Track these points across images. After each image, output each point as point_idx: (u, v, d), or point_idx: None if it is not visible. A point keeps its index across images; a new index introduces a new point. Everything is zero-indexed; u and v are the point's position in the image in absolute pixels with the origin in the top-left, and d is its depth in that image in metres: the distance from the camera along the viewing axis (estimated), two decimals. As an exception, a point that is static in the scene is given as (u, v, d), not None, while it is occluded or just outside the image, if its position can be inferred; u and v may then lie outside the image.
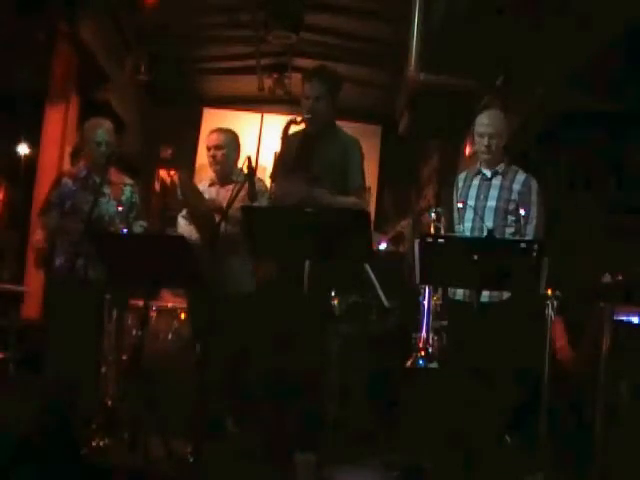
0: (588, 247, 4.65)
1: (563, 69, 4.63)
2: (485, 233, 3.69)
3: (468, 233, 3.84)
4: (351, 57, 6.61)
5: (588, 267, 4.19)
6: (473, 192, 3.91)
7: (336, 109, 3.86)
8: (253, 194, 3.87)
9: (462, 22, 4.83)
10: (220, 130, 4.45)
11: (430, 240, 3.22)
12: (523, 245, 3.19)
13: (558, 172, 5.14)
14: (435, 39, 5.24)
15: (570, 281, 3.92)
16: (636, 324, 3.94)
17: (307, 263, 3.25)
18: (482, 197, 3.87)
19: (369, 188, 6.30)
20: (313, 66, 4.22)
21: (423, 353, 4.18)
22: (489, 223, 3.74)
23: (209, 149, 4.42)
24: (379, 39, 6.35)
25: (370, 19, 6.08)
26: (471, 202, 3.87)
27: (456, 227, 3.97)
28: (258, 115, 7.99)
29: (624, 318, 3.90)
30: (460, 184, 4.00)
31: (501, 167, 3.89)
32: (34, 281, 5.39)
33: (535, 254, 3.03)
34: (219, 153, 4.35)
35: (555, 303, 3.61)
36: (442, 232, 4.20)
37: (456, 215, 4.00)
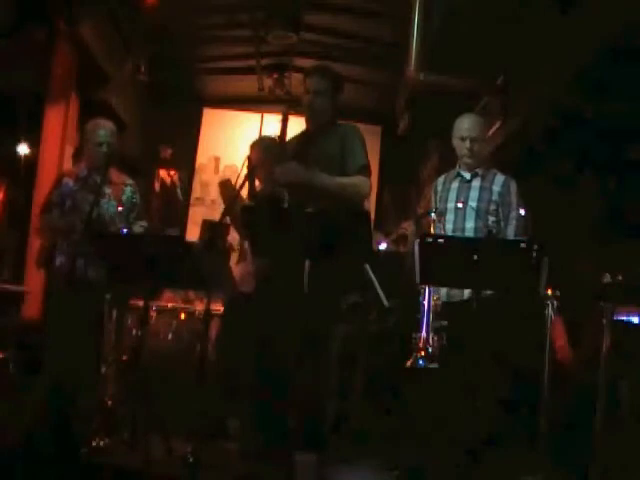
0: (588, 247, 4.64)
1: (563, 69, 4.63)
2: (467, 233, 3.77)
3: (450, 234, 3.87)
4: (351, 57, 6.60)
5: (588, 267, 4.19)
6: (453, 195, 3.96)
7: (337, 108, 3.86)
8: (253, 194, 3.87)
9: (462, 22, 4.83)
10: (252, 145, 4.42)
11: (430, 240, 3.22)
12: (523, 245, 3.19)
13: (558, 172, 5.14)
14: (435, 39, 5.24)
15: (570, 281, 3.92)
16: (636, 324, 3.94)
17: (307, 263, 3.25)
18: (462, 199, 3.91)
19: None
20: (314, 64, 4.23)
21: (423, 353, 4.17)
22: (470, 224, 3.77)
23: None
24: (379, 39, 6.35)
25: (370, 19, 6.07)
26: (451, 204, 3.93)
27: (445, 227, 3.98)
28: (258, 115, 7.99)
29: (624, 318, 3.90)
30: (439, 188, 4.06)
31: (480, 169, 3.92)
32: (34, 281, 5.39)
33: (535, 254, 3.03)
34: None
35: (555, 303, 3.60)
36: (442, 232, 4.20)
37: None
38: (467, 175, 3.94)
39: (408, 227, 6.12)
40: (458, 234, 3.83)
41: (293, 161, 3.68)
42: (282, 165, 3.69)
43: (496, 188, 3.87)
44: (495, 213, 3.84)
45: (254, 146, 4.43)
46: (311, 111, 3.80)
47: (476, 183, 3.91)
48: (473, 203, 3.86)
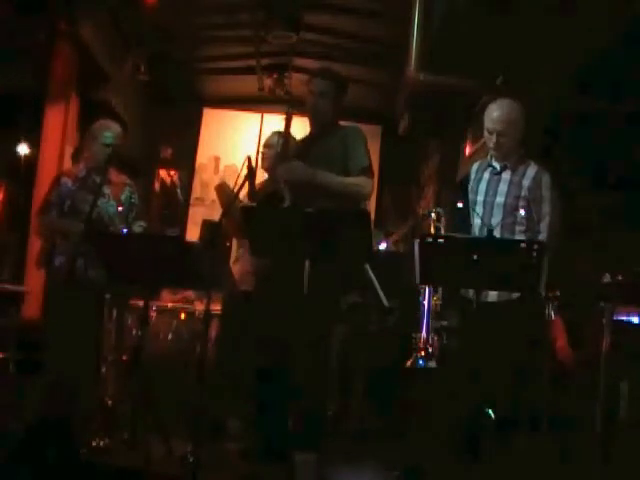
0: (588, 247, 4.64)
1: (563, 69, 4.63)
2: (494, 229, 3.66)
3: (477, 230, 3.80)
4: (351, 57, 6.60)
5: (588, 267, 4.19)
6: (483, 186, 3.82)
7: (339, 111, 3.86)
8: (253, 194, 3.88)
9: (462, 22, 4.83)
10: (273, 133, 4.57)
11: (430, 240, 3.21)
12: (523, 245, 3.18)
13: (558, 172, 5.14)
14: (435, 39, 5.23)
15: (570, 281, 3.92)
16: (636, 324, 3.95)
17: (307, 263, 3.25)
18: (491, 192, 3.77)
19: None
20: (316, 67, 4.24)
21: (423, 353, 4.18)
22: (496, 220, 3.69)
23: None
24: (379, 39, 6.34)
25: (370, 19, 6.07)
26: (480, 197, 3.80)
27: (474, 221, 3.88)
28: (258, 115, 7.99)
29: (624, 318, 3.90)
30: (472, 176, 3.91)
31: (511, 161, 3.77)
32: (34, 281, 5.39)
33: (535, 254, 3.03)
34: (267, 151, 4.51)
35: (555, 303, 3.60)
36: (442, 232, 4.19)
37: (470, 208, 3.92)
38: (497, 166, 3.79)
39: (399, 235, 6.13)
40: (485, 231, 3.74)
41: (295, 160, 3.70)
42: (284, 163, 3.71)
43: (526, 182, 3.70)
44: (526, 209, 3.68)
45: (270, 138, 4.53)
46: (314, 113, 3.81)
47: (506, 176, 3.75)
48: (501, 198, 3.73)
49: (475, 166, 3.97)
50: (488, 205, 3.77)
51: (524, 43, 4.78)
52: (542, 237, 3.66)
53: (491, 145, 3.75)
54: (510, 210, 3.72)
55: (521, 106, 3.77)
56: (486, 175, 3.85)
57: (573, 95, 4.83)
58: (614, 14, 3.98)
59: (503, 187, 3.76)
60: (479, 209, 3.81)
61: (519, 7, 4.50)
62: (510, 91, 5.17)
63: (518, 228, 3.71)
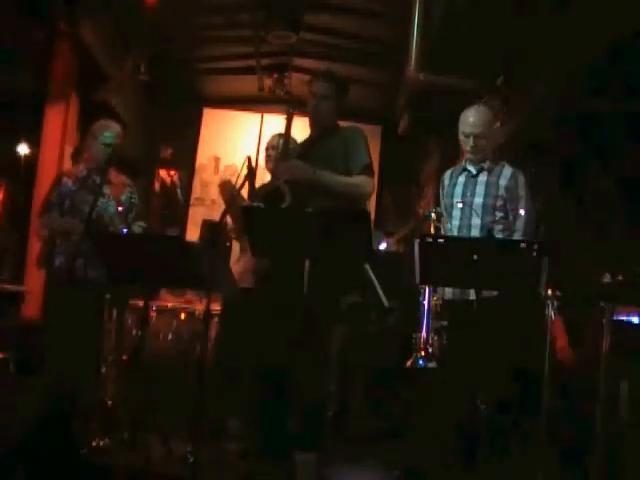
0: (588, 247, 4.64)
1: (563, 69, 4.63)
2: (473, 230, 3.72)
3: (456, 230, 3.85)
4: (351, 57, 6.60)
5: (588, 267, 4.19)
6: (459, 190, 3.90)
7: (339, 113, 3.87)
8: (253, 194, 3.88)
9: (462, 22, 4.83)
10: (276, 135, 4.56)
11: (430, 240, 3.21)
12: (523, 245, 3.19)
13: (557, 172, 5.14)
14: (435, 39, 5.24)
15: (570, 281, 3.92)
16: (636, 324, 3.94)
17: (307, 263, 3.24)
18: (468, 194, 3.85)
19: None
20: (316, 67, 4.24)
21: (423, 353, 4.18)
22: (476, 221, 3.74)
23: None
24: (379, 39, 6.34)
25: (370, 19, 6.07)
26: (457, 200, 3.87)
27: (446, 225, 3.97)
28: (258, 115, 7.99)
29: (624, 318, 3.90)
30: (446, 182, 4.01)
31: (487, 163, 3.86)
32: (34, 281, 5.39)
33: (535, 254, 3.03)
34: (272, 153, 4.50)
35: (555, 303, 3.60)
36: (442, 232, 4.20)
37: (444, 213, 4.01)
38: (473, 169, 3.87)
39: (401, 236, 6.14)
40: (464, 231, 3.80)
41: (296, 159, 3.70)
42: (285, 162, 3.71)
43: (503, 182, 3.79)
44: (502, 208, 3.77)
45: (273, 140, 4.52)
46: (315, 115, 3.80)
47: (483, 178, 3.84)
48: (479, 199, 3.80)
49: (448, 173, 4.05)
50: (466, 206, 3.81)
51: (524, 43, 4.79)
52: (518, 235, 3.75)
53: (468, 148, 3.84)
54: (489, 210, 3.79)
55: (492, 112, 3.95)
56: (461, 179, 3.93)
57: (573, 94, 4.82)
58: (613, 12, 3.98)
59: (480, 189, 3.84)
60: (456, 212, 3.88)
61: (518, 7, 4.51)
62: (510, 91, 5.19)
63: (497, 227, 3.77)
